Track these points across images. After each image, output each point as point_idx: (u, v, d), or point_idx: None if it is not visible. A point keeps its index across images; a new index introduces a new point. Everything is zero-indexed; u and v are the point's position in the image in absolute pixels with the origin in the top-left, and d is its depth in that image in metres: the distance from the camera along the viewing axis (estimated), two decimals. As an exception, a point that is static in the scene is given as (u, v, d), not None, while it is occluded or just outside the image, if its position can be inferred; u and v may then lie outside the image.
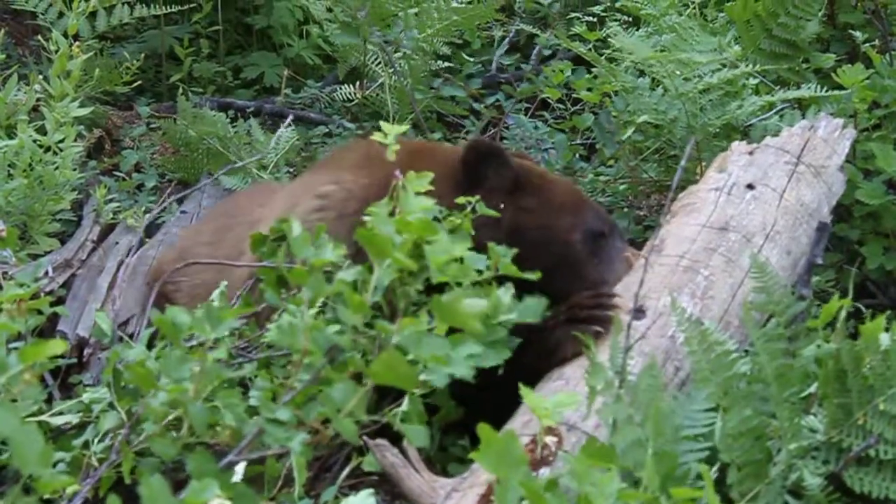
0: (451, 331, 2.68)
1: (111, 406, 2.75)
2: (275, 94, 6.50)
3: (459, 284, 2.81)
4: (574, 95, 5.50)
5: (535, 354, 2.95)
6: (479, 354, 2.69)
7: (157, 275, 3.85)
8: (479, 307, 2.42)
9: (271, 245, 2.95)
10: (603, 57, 4.86)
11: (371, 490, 2.48)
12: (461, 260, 2.91)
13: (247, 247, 3.20)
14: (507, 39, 6.76)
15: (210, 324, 2.52)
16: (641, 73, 4.61)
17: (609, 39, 4.63)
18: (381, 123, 3.23)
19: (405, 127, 3.24)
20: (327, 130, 5.94)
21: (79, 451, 2.76)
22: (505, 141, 5.55)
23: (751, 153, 3.66)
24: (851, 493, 2.52)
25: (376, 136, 3.23)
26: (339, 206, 3.27)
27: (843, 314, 2.75)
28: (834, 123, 3.88)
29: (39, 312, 3.16)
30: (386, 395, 2.87)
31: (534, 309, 2.91)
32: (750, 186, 3.49)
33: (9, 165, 4.55)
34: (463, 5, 5.92)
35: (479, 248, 2.96)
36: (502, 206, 3.23)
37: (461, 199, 3.11)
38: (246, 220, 3.72)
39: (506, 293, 2.91)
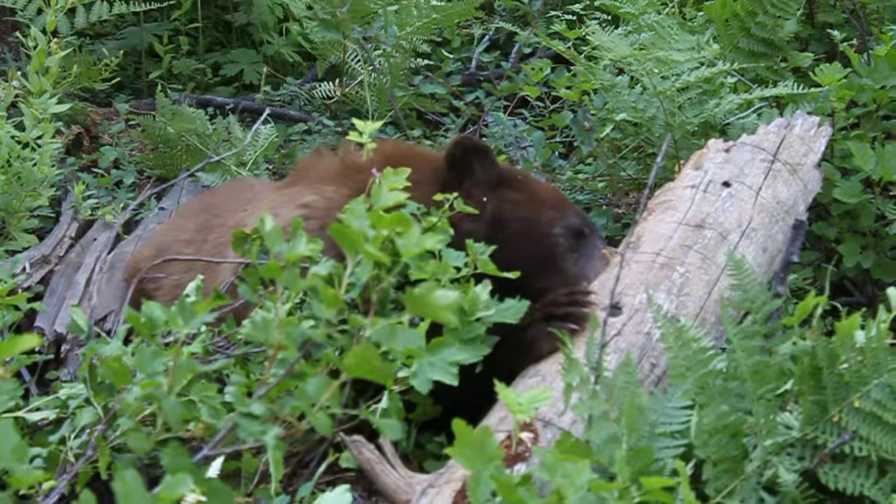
0: (432, 334, 2.68)
1: (88, 402, 2.74)
2: (254, 91, 6.50)
3: (438, 281, 2.82)
4: (553, 93, 5.51)
5: (512, 352, 2.95)
6: (462, 359, 2.70)
7: (134, 271, 3.84)
8: (451, 299, 2.41)
9: (253, 244, 2.95)
10: (582, 55, 4.87)
11: (347, 486, 2.49)
12: (439, 257, 2.91)
13: (229, 253, 3.19)
14: (486, 37, 6.76)
15: (183, 318, 2.51)
16: (620, 72, 4.61)
17: (588, 38, 4.63)
18: (355, 121, 3.24)
19: (378, 124, 3.25)
20: (307, 127, 5.95)
21: (55, 447, 2.75)
22: (484, 139, 5.55)
23: (727, 151, 3.66)
24: (826, 489, 2.53)
25: (352, 136, 3.23)
26: (321, 216, 3.26)
27: (819, 311, 2.75)
28: (810, 121, 3.89)
29: (17, 308, 3.16)
30: (364, 392, 2.88)
31: (514, 309, 2.91)
32: (726, 184, 3.50)
33: (-13, 162, 4.55)
34: (443, 3, 5.93)
35: (461, 238, 3.00)
36: (485, 199, 3.27)
37: (439, 196, 3.12)
38: (227, 224, 3.70)
39: (483, 289, 2.91)
